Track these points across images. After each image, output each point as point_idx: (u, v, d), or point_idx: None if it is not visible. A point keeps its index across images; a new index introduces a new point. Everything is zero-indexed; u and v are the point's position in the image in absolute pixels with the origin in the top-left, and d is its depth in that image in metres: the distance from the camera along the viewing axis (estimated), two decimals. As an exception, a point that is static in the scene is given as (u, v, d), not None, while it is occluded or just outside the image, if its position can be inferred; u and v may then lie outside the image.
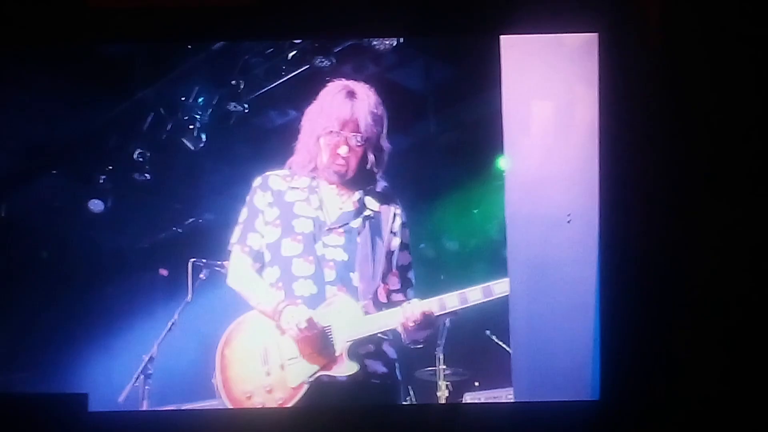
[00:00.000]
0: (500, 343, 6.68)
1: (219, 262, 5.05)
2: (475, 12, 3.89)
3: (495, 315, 3.84)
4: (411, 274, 3.97)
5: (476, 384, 6.69)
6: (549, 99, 3.11)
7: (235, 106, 6.75)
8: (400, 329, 3.63)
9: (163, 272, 8.59)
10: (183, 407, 6.27)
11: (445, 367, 6.48)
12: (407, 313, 3.62)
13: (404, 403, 3.92)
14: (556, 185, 2.99)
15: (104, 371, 7.16)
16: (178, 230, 8.16)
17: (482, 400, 6.20)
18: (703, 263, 2.74)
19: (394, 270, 3.90)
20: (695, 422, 2.51)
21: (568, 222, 2.89)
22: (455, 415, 2.93)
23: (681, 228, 2.83)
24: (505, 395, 6.15)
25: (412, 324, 3.59)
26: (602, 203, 2.88)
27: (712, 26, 3.28)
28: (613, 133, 2.96)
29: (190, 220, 8.07)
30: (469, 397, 6.30)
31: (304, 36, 5.91)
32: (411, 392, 4.20)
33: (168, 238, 8.24)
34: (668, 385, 2.70)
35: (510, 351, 6.59)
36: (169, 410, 5.69)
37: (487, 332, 6.75)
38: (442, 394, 6.44)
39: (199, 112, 6.82)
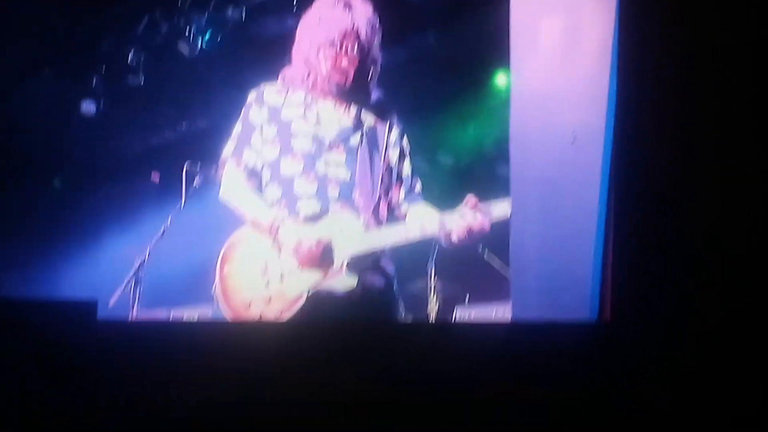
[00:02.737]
0: (491, 259, 6.76)
1: (213, 169, 5.01)
2: None
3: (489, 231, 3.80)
4: (415, 182, 3.94)
5: (466, 299, 6.76)
6: (559, 13, 3.03)
7: (232, 12, 6.64)
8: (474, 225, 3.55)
9: (155, 177, 8.59)
10: (173, 312, 6.34)
11: (435, 280, 6.54)
12: (409, 233, 3.61)
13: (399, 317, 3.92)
14: (562, 104, 2.93)
15: (92, 275, 7.20)
16: (171, 136, 8.13)
17: (472, 315, 6.26)
18: (712, 188, 2.70)
19: (396, 182, 3.88)
20: (696, 347, 2.51)
21: (573, 143, 2.85)
22: (449, 333, 2.91)
23: (694, 155, 2.78)
24: (494, 311, 6.22)
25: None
26: (616, 121, 2.81)
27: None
28: (630, 50, 2.87)
29: (183, 125, 8.04)
30: (459, 312, 6.36)
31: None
32: (401, 306, 4.20)
33: (160, 143, 8.21)
34: (666, 309, 2.69)
35: (502, 268, 6.71)
36: (179, 322, 5.73)
37: (479, 248, 6.80)
38: (432, 309, 6.51)
39: (196, 17, 6.70)
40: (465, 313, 6.33)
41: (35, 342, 2.46)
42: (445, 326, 4.60)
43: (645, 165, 2.71)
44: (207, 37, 6.82)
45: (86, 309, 2.57)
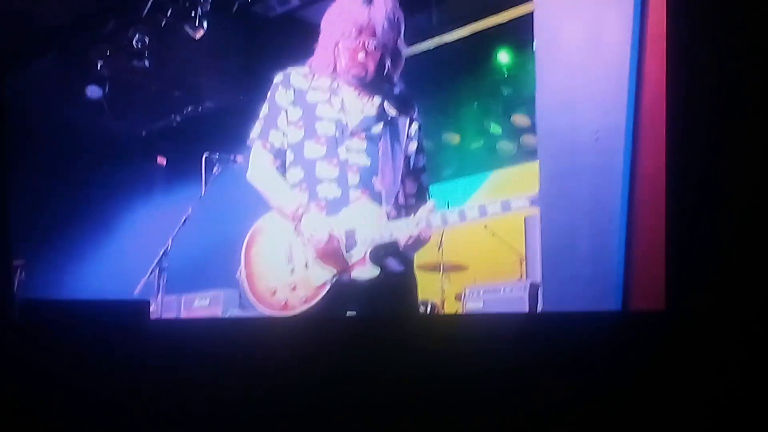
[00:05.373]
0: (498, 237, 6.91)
1: (232, 156, 5.07)
2: None
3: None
4: (424, 177, 3.99)
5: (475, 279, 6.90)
6: (581, 16, 3.07)
7: (238, -7, 6.64)
8: (414, 233, 3.65)
9: (161, 160, 8.63)
10: (197, 295, 6.40)
11: (444, 262, 6.67)
12: (430, 223, 3.65)
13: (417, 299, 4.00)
14: (585, 104, 2.98)
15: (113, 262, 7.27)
16: (177, 118, 8.16)
17: (481, 294, 6.37)
18: (738, 184, 2.75)
19: (410, 174, 3.93)
20: (724, 336, 2.56)
21: (596, 140, 2.90)
22: (468, 324, 2.95)
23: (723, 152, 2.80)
24: (503, 289, 6.34)
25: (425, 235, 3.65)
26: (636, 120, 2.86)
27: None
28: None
29: (189, 108, 8.07)
30: (468, 291, 6.47)
31: None
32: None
33: (166, 126, 8.25)
34: (691, 298, 2.75)
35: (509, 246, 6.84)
36: (228, 318, 5.76)
37: (484, 226, 6.93)
38: (443, 289, 6.67)
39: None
40: (474, 292, 6.42)
41: (88, 343, 2.47)
42: (466, 318, 4.65)
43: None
44: (213, 18, 6.79)
45: (139, 309, 2.58)
